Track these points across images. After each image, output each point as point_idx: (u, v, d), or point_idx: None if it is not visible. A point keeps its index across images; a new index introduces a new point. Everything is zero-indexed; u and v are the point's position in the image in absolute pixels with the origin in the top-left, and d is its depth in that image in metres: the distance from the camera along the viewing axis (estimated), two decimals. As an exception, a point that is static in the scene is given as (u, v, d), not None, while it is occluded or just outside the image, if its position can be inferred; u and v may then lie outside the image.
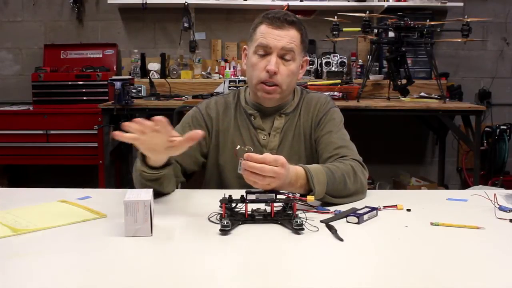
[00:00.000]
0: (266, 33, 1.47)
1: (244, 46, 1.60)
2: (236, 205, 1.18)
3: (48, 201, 1.31)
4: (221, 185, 1.56)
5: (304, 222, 1.09)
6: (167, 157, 1.29)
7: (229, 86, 3.46)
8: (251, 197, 1.16)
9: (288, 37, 1.47)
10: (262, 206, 1.21)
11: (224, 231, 1.07)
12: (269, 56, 1.48)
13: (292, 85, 1.55)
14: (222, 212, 1.15)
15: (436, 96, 3.73)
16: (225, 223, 1.08)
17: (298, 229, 1.08)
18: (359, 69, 4.10)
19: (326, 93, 3.11)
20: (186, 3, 3.90)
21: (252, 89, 1.56)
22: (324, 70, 3.96)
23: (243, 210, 1.17)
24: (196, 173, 1.62)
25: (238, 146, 1.18)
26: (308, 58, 1.61)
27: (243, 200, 1.16)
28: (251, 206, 1.18)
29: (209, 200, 1.29)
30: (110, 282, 0.84)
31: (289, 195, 1.21)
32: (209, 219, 1.17)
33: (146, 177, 1.31)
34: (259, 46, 1.48)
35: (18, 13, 4.13)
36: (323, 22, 3.73)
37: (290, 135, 1.57)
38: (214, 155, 1.58)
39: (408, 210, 1.26)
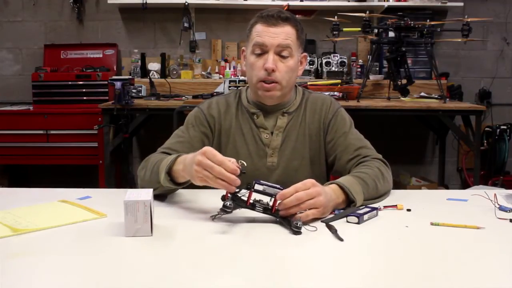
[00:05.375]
0: (261, 32, 1.48)
1: (243, 48, 1.61)
2: (240, 190, 1.16)
3: (48, 201, 1.31)
4: None
5: (302, 226, 1.09)
6: None
7: (229, 86, 3.46)
8: (259, 187, 1.15)
9: (283, 33, 1.48)
10: (266, 199, 1.20)
11: (225, 211, 1.09)
12: (267, 54, 1.48)
13: (292, 82, 1.55)
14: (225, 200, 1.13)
15: (436, 96, 3.72)
16: (228, 204, 1.09)
17: (296, 231, 1.08)
18: (359, 69, 4.10)
19: (326, 93, 3.12)
20: (186, 3, 3.90)
21: (252, 88, 1.56)
22: (324, 70, 3.96)
23: (246, 199, 1.16)
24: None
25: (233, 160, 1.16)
26: (306, 54, 1.62)
27: (248, 187, 1.15)
28: (255, 197, 1.16)
29: (209, 200, 1.29)
30: (110, 282, 0.84)
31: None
32: (212, 218, 1.16)
33: (167, 189, 1.32)
34: (256, 45, 1.49)
35: (18, 13, 4.13)
36: (323, 22, 3.73)
37: (293, 135, 1.57)
38: None
39: (408, 210, 1.26)
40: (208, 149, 1.15)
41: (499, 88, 4.22)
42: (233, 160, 1.13)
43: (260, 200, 1.18)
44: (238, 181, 1.11)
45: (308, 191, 1.16)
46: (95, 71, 3.80)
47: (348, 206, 1.28)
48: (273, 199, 1.17)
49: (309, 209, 1.15)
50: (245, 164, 1.14)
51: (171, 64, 4.11)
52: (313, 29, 4.06)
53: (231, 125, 1.58)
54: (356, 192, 1.28)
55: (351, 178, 1.34)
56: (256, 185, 1.15)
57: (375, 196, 1.34)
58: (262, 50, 1.49)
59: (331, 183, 1.30)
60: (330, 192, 1.23)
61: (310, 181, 1.18)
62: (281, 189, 1.15)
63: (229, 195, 1.14)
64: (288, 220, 1.13)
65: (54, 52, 4.06)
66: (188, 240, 1.06)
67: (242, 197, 1.16)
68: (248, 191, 1.15)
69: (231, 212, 1.11)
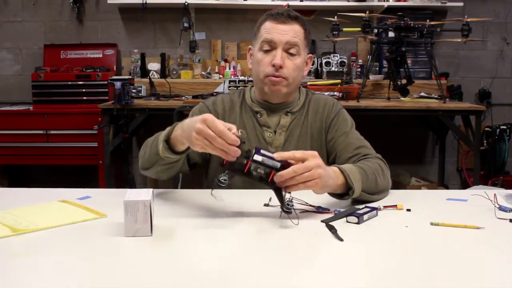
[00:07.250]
0: (270, 29, 1.50)
1: (249, 46, 1.63)
2: (237, 159, 1.13)
3: (48, 201, 1.31)
4: None
5: (292, 208, 1.12)
6: None
7: (229, 86, 3.47)
8: (258, 158, 1.13)
9: (292, 31, 1.50)
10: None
11: (220, 186, 1.10)
12: (274, 51, 1.50)
13: (298, 80, 1.56)
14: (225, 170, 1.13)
15: (436, 96, 3.73)
16: (222, 179, 1.10)
17: (286, 211, 1.11)
18: (359, 69, 4.10)
19: (326, 93, 3.12)
20: (186, 3, 3.90)
21: (258, 85, 1.57)
22: (324, 70, 3.96)
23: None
24: (201, 171, 1.63)
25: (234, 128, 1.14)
26: (312, 55, 1.63)
27: (247, 155, 1.13)
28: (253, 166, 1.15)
29: (209, 200, 1.29)
30: (110, 282, 0.84)
31: None
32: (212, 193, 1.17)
33: (166, 161, 1.32)
34: (264, 42, 1.51)
35: (18, 13, 4.13)
36: (323, 22, 3.72)
37: (296, 134, 1.58)
38: None
39: (408, 210, 1.26)
40: (207, 116, 1.12)
41: (499, 88, 4.22)
42: (234, 128, 1.11)
43: (257, 168, 1.15)
44: (238, 152, 1.10)
45: (307, 163, 1.13)
46: (95, 71, 3.80)
47: (346, 193, 1.27)
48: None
49: (306, 181, 1.13)
50: (245, 134, 1.13)
51: (171, 64, 4.11)
52: (313, 29, 4.01)
53: (235, 123, 1.58)
54: (355, 179, 1.27)
55: (352, 166, 1.34)
56: (255, 155, 1.13)
57: (374, 191, 1.33)
58: (270, 47, 1.51)
59: (334, 165, 1.29)
60: (330, 171, 1.22)
61: (311, 152, 1.16)
62: (280, 162, 1.13)
63: (228, 162, 1.12)
64: (281, 193, 1.12)
65: (54, 52, 4.06)
66: (188, 240, 1.06)
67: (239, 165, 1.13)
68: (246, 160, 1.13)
69: (225, 186, 1.10)
